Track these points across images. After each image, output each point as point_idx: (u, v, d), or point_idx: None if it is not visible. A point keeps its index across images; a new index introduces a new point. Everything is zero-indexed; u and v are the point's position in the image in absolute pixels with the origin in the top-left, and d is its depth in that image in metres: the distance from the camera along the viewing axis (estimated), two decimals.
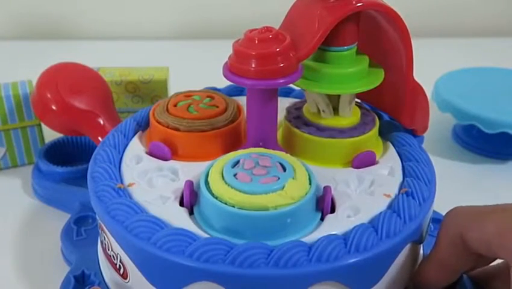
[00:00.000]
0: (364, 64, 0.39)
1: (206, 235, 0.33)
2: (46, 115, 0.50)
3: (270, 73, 0.35)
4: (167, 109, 0.41)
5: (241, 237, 0.32)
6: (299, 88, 0.43)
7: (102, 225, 0.35)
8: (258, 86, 0.36)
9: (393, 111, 0.43)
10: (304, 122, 0.40)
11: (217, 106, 0.42)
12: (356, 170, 0.38)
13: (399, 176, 0.38)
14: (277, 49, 0.35)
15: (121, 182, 0.37)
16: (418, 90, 0.41)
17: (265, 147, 0.38)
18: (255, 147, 0.38)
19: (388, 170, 0.38)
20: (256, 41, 0.35)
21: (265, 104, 0.38)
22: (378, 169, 0.39)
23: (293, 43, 0.36)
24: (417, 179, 0.37)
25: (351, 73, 0.39)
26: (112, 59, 0.67)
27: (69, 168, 0.50)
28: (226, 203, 0.33)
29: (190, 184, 0.35)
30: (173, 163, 0.39)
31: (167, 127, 0.40)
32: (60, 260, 0.44)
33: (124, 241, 0.33)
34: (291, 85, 0.38)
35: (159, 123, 0.40)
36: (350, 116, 0.40)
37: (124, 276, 0.35)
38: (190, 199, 0.35)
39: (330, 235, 0.32)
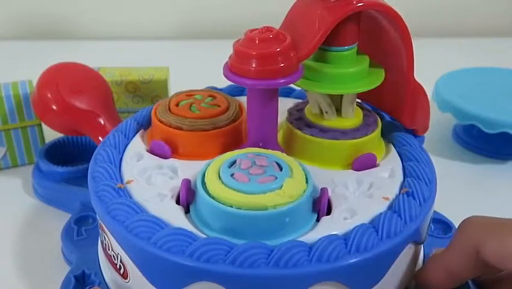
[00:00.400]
0: (364, 64, 0.39)
1: (201, 234, 0.33)
2: (46, 115, 0.50)
3: (271, 73, 0.35)
4: (169, 109, 0.41)
5: (239, 237, 0.32)
6: (299, 88, 0.43)
7: (102, 225, 0.36)
8: (259, 86, 0.36)
9: (394, 111, 0.43)
10: (306, 123, 0.40)
11: (219, 106, 0.42)
12: (356, 172, 0.38)
13: (399, 179, 0.37)
14: (278, 49, 0.35)
15: (121, 179, 0.37)
16: (418, 90, 0.41)
17: (265, 148, 0.38)
18: (255, 147, 0.38)
19: (389, 172, 0.38)
20: (257, 41, 0.35)
21: (265, 104, 0.38)
22: (378, 172, 0.38)
23: (294, 43, 0.36)
24: (417, 179, 0.37)
25: (352, 73, 0.39)
26: (112, 59, 0.67)
27: (69, 168, 0.50)
28: (224, 204, 0.33)
29: (186, 182, 0.35)
30: (173, 161, 0.39)
31: (170, 126, 0.40)
32: (60, 260, 0.44)
33: (125, 241, 0.33)
34: (292, 85, 0.38)
35: (161, 122, 0.40)
36: (353, 117, 0.40)
37: (124, 276, 0.35)
38: (186, 197, 0.35)
39: (331, 235, 0.32)
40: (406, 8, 0.43)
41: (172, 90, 0.59)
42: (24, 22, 0.93)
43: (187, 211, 0.35)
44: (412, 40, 0.38)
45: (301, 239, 0.32)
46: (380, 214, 0.34)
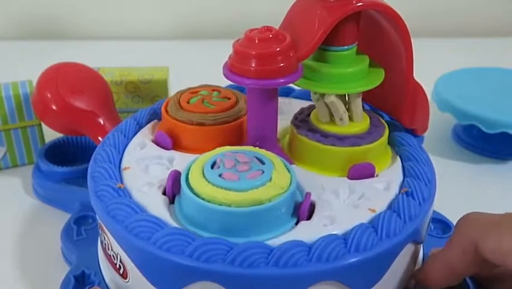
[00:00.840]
0: (364, 64, 0.39)
1: (176, 224, 0.33)
2: (46, 115, 0.50)
3: (270, 73, 0.35)
4: (181, 107, 0.41)
5: (234, 235, 0.32)
6: (299, 88, 0.43)
7: (102, 225, 0.36)
8: (258, 85, 0.36)
9: (393, 110, 0.43)
10: (309, 127, 0.40)
11: (229, 98, 0.43)
12: (350, 180, 0.37)
13: (393, 193, 0.36)
14: (278, 49, 0.35)
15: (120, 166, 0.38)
16: (418, 89, 0.41)
17: (263, 147, 0.38)
18: (253, 146, 0.38)
19: (385, 184, 0.37)
20: (257, 41, 0.35)
21: (265, 104, 0.38)
22: (374, 182, 0.37)
23: (293, 42, 0.36)
24: (417, 179, 0.37)
25: (351, 73, 0.38)
26: (112, 59, 0.68)
27: (69, 168, 0.50)
28: (220, 204, 0.32)
29: (174, 174, 0.36)
30: (173, 153, 0.40)
31: (192, 124, 0.40)
32: (60, 260, 0.44)
33: (124, 241, 0.33)
34: (292, 85, 0.38)
35: (183, 122, 0.40)
36: (361, 120, 0.40)
37: (124, 275, 0.35)
38: (172, 189, 0.35)
39: (331, 235, 0.32)
40: (406, 8, 0.43)
41: (172, 89, 0.59)
42: (24, 22, 0.93)
43: (172, 202, 0.35)
44: (412, 40, 0.38)
45: (270, 242, 0.32)
46: (380, 214, 0.33)
